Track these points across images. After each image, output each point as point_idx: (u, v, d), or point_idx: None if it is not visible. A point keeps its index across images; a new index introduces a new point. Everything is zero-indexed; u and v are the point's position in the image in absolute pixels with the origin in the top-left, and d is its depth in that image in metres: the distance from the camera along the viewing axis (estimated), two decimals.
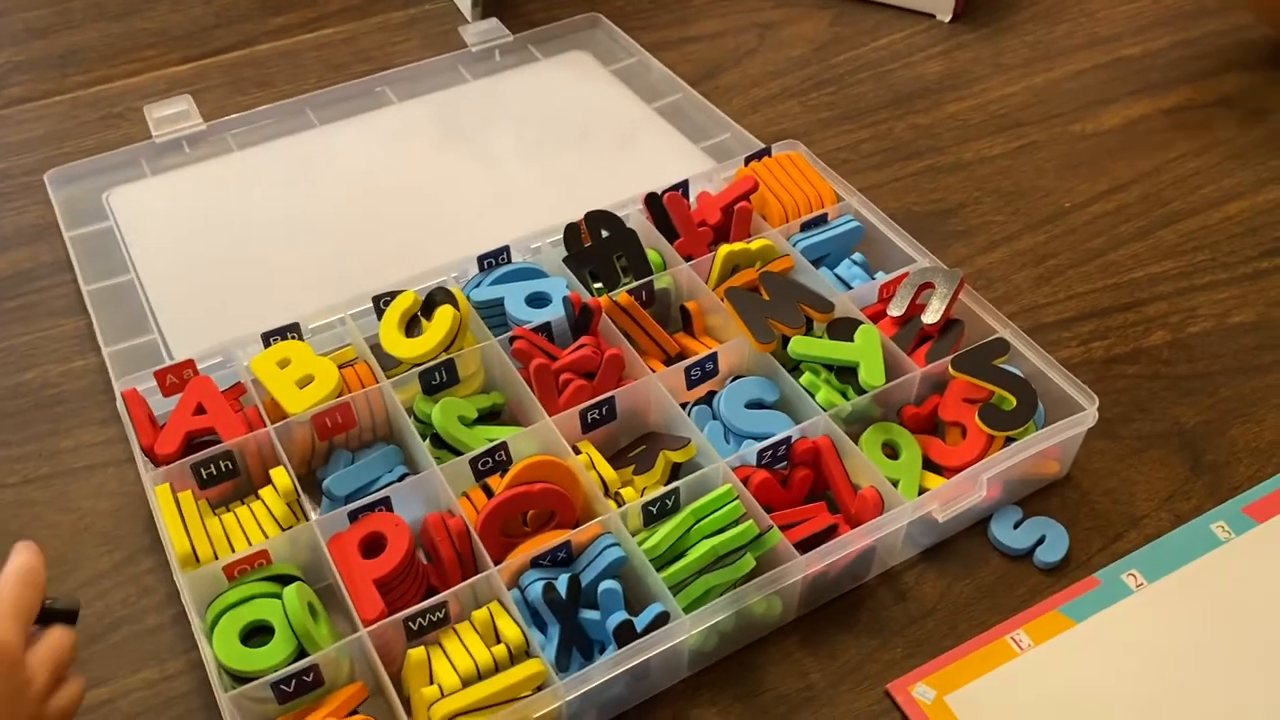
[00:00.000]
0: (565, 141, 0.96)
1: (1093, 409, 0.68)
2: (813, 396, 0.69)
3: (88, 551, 0.68)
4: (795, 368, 0.72)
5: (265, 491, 0.65)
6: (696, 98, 0.99)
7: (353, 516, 0.63)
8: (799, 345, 0.71)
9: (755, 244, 0.78)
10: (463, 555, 0.62)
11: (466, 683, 0.57)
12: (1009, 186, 0.93)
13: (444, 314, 0.71)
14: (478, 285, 0.77)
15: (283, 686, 0.56)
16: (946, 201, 0.92)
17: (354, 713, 0.58)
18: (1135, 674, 0.62)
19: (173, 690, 0.62)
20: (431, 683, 0.58)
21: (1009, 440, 0.68)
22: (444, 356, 0.70)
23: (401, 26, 1.11)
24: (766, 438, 0.67)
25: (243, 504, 0.66)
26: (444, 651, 0.58)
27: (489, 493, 0.65)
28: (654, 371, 0.71)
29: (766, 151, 0.87)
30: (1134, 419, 0.75)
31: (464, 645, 0.58)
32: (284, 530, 0.64)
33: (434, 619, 0.59)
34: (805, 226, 0.81)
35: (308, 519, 0.65)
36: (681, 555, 0.62)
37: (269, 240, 0.87)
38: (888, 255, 0.81)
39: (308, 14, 1.13)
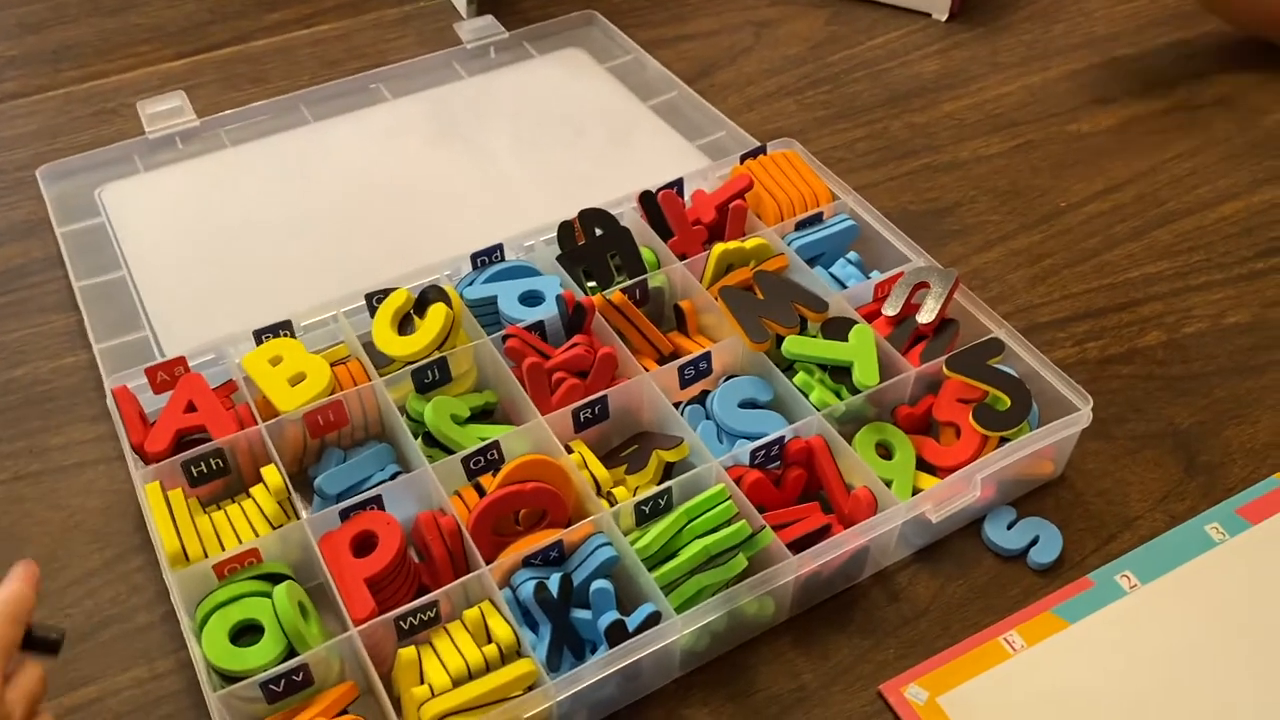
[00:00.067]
0: (560, 139, 0.96)
1: (1087, 409, 0.68)
2: (806, 396, 0.69)
3: (78, 549, 0.68)
4: (789, 367, 0.72)
5: (256, 490, 0.65)
6: (692, 95, 0.99)
7: (344, 515, 0.63)
8: (793, 345, 0.70)
9: (750, 243, 0.77)
10: (454, 554, 0.62)
11: (457, 682, 0.57)
12: (1005, 186, 0.93)
13: (437, 312, 0.71)
14: (471, 283, 0.77)
15: (272, 686, 0.56)
16: (942, 201, 0.91)
17: (344, 712, 0.57)
18: (1128, 675, 0.62)
19: (162, 689, 0.62)
20: (422, 682, 0.57)
21: (1003, 440, 0.68)
22: (437, 355, 0.70)
23: (396, 23, 1.11)
24: (760, 437, 0.67)
25: (233, 502, 0.66)
26: (435, 651, 0.58)
27: (481, 491, 0.65)
28: (647, 371, 0.71)
29: (762, 150, 0.86)
30: (1128, 419, 0.75)
31: (455, 645, 0.58)
32: (275, 529, 0.63)
33: (425, 618, 0.59)
34: (800, 225, 0.81)
35: (299, 517, 0.64)
36: (674, 555, 0.62)
37: (262, 237, 0.87)
38: (883, 254, 0.80)
39: (303, 10, 1.12)
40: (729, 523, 0.62)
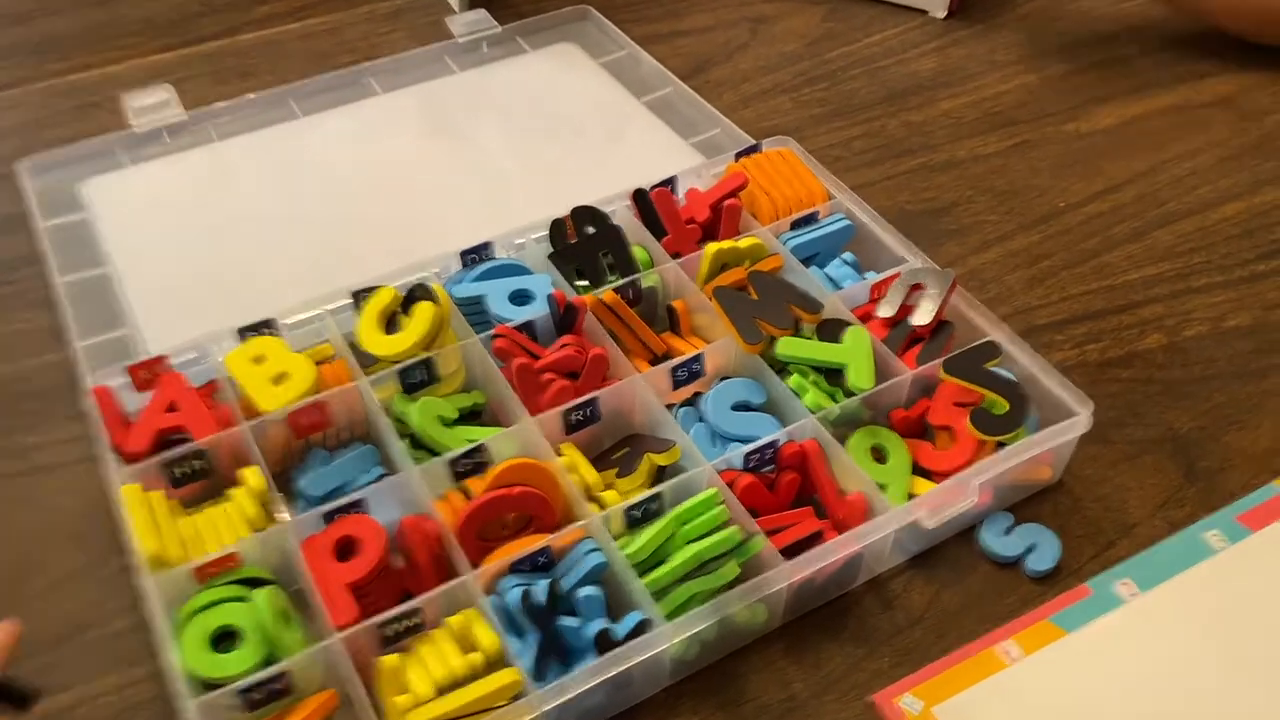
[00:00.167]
0: (552, 135, 0.94)
1: (1086, 414, 0.66)
2: (800, 399, 0.68)
3: (55, 551, 0.67)
4: (783, 369, 0.71)
5: (237, 492, 0.63)
6: (687, 92, 0.97)
7: (327, 518, 0.61)
8: (787, 346, 0.69)
9: (744, 242, 0.76)
10: (439, 559, 0.61)
11: (441, 691, 0.55)
12: (1003, 186, 0.91)
13: (424, 310, 0.69)
14: (459, 281, 0.75)
15: (251, 694, 0.55)
16: (939, 200, 0.90)
17: None
18: (1127, 685, 0.61)
19: (139, 696, 0.60)
20: (405, 691, 0.56)
21: (1000, 445, 0.66)
22: (424, 354, 0.69)
23: (387, 17, 1.09)
24: (753, 440, 0.65)
25: (214, 504, 0.64)
26: (418, 659, 0.57)
27: (468, 495, 0.64)
28: (639, 372, 0.69)
29: (757, 148, 0.85)
30: (1127, 424, 0.73)
31: (439, 653, 0.57)
32: (256, 532, 0.62)
33: (409, 625, 0.57)
34: (795, 225, 0.80)
35: (281, 520, 0.63)
36: (664, 561, 0.60)
37: (248, 233, 0.85)
38: (879, 254, 0.79)
39: (293, 3, 1.11)
40: (721, 528, 0.61)
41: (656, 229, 0.78)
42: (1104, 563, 0.66)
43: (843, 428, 0.68)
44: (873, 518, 0.62)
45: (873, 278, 0.76)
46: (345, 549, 0.60)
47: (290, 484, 0.67)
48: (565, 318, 0.71)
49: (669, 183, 0.81)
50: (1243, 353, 0.78)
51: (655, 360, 0.72)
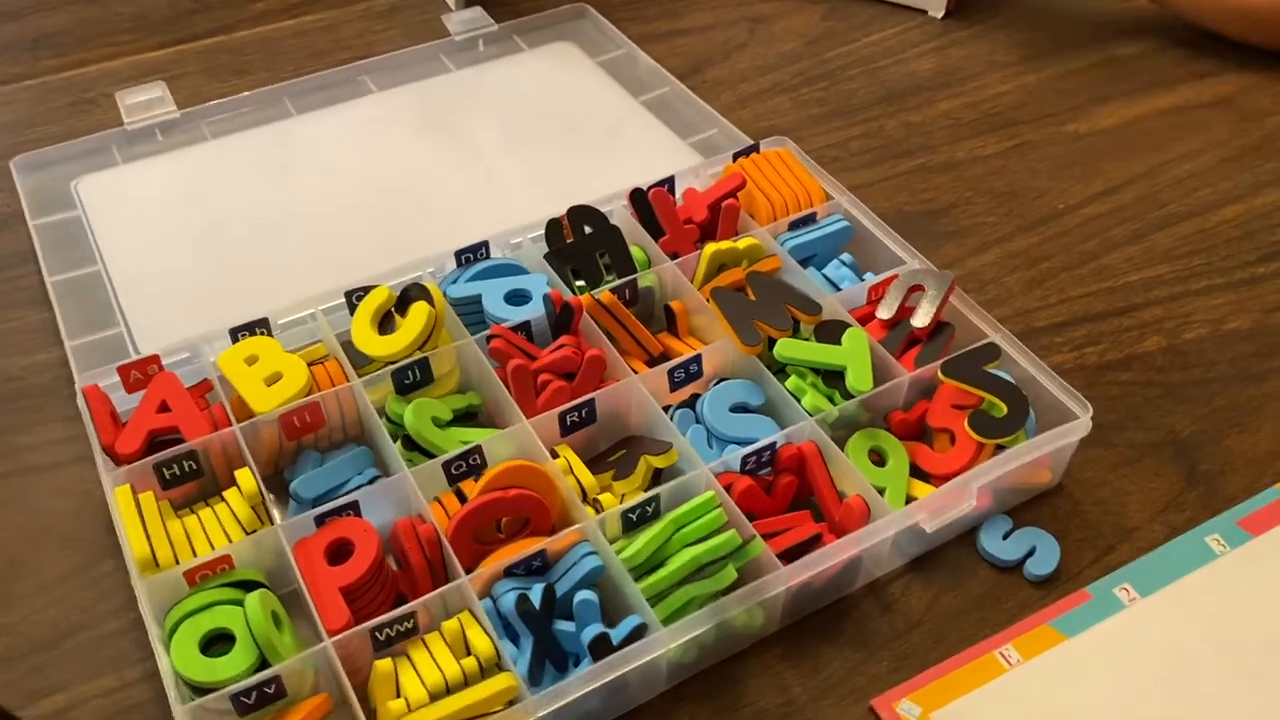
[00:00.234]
0: (549, 134, 0.94)
1: (1086, 417, 0.66)
2: (799, 401, 0.67)
3: (46, 553, 0.66)
4: (781, 371, 0.70)
5: (230, 493, 0.63)
6: (684, 92, 0.97)
7: (319, 521, 0.61)
8: (785, 348, 0.69)
9: (742, 243, 0.75)
10: (433, 563, 0.60)
11: (434, 696, 0.55)
12: (1002, 187, 0.91)
13: (419, 311, 0.69)
14: (455, 281, 0.74)
15: (243, 698, 0.54)
16: (938, 201, 0.90)
17: None
18: (1127, 691, 0.60)
19: (131, 699, 0.60)
20: (398, 696, 0.55)
21: (999, 448, 0.66)
22: (418, 355, 0.68)
23: (383, 14, 1.09)
24: (751, 443, 0.65)
25: (206, 506, 0.64)
26: (412, 663, 0.56)
27: (462, 497, 0.63)
28: (636, 373, 0.69)
29: (755, 148, 0.84)
30: (1127, 427, 0.73)
31: (432, 657, 0.56)
32: (248, 534, 0.61)
33: (402, 629, 0.57)
34: (793, 225, 0.79)
35: (273, 522, 0.62)
36: (661, 565, 0.60)
37: (241, 232, 0.85)
38: (877, 256, 0.79)
39: (288, 0, 1.10)
40: (718, 531, 0.60)
41: (654, 229, 0.78)
42: (1104, 567, 0.65)
43: (841, 430, 0.67)
44: (872, 521, 0.62)
45: (871, 279, 0.75)
46: (338, 552, 0.59)
47: (282, 485, 0.67)
48: (562, 318, 0.70)
49: (667, 183, 0.80)
50: (1243, 355, 0.78)
51: (652, 361, 0.72)
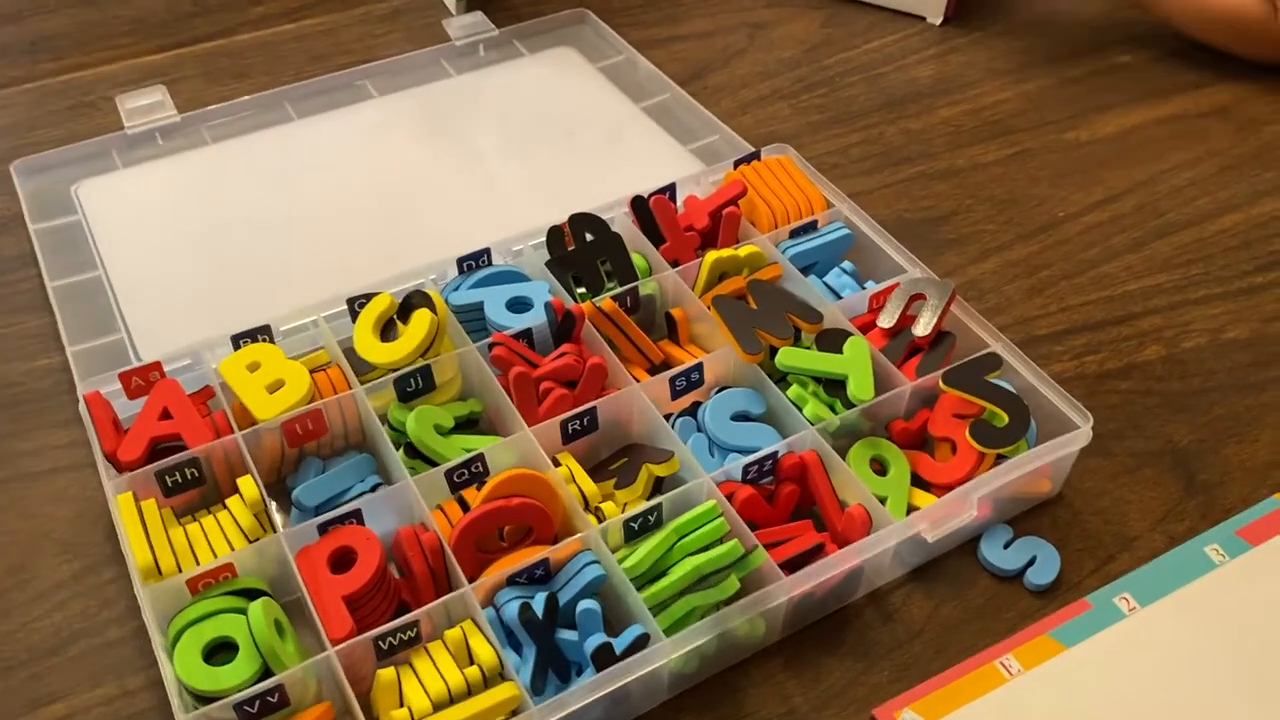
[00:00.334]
0: (550, 140, 0.94)
1: (1087, 428, 0.66)
2: (800, 410, 0.67)
3: (46, 560, 0.66)
4: (782, 379, 0.70)
5: (232, 501, 0.63)
6: (685, 98, 0.97)
7: (322, 529, 0.61)
8: (787, 357, 0.69)
9: (743, 250, 0.76)
10: (436, 571, 0.60)
11: (438, 706, 0.55)
12: (1002, 194, 0.91)
13: (421, 318, 0.69)
14: (457, 288, 0.75)
15: (246, 707, 0.54)
16: (938, 209, 0.90)
17: None
18: (1127, 701, 0.60)
19: (133, 707, 0.60)
20: (401, 705, 0.55)
21: (1000, 458, 0.66)
22: (420, 362, 0.68)
23: (384, 18, 1.09)
24: (752, 451, 0.65)
25: (209, 513, 0.64)
26: (415, 672, 0.56)
27: (465, 505, 0.63)
28: (637, 381, 0.69)
29: (756, 155, 0.85)
30: (1127, 436, 0.73)
31: (435, 666, 0.56)
32: (250, 542, 0.61)
33: (405, 638, 0.57)
34: (794, 233, 0.79)
35: (275, 530, 0.62)
36: (663, 574, 0.60)
37: (244, 237, 0.84)
38: (878, 264, 0.79)
39: (288, 3, 1.10)
40: (720, 541, 0.60)
41: (655, 236, 0.78)
42: (1104, 577, 0.66)
43: (843, 439, 0.68)
44: (873, 531, 0.62)
45: (872, 288, 0.75)
46: (341, 560, 0.59)
47: (284, 492, 0.67)
48: (563, 326, 0.70)
49: (668, 190, 0.80)
50: (1241, 365, 0.78)
51: (653, 369, 0.72)
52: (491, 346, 0.69)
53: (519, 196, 0.89)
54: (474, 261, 0.76)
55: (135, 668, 0.61)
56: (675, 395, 0.70)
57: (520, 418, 0.66)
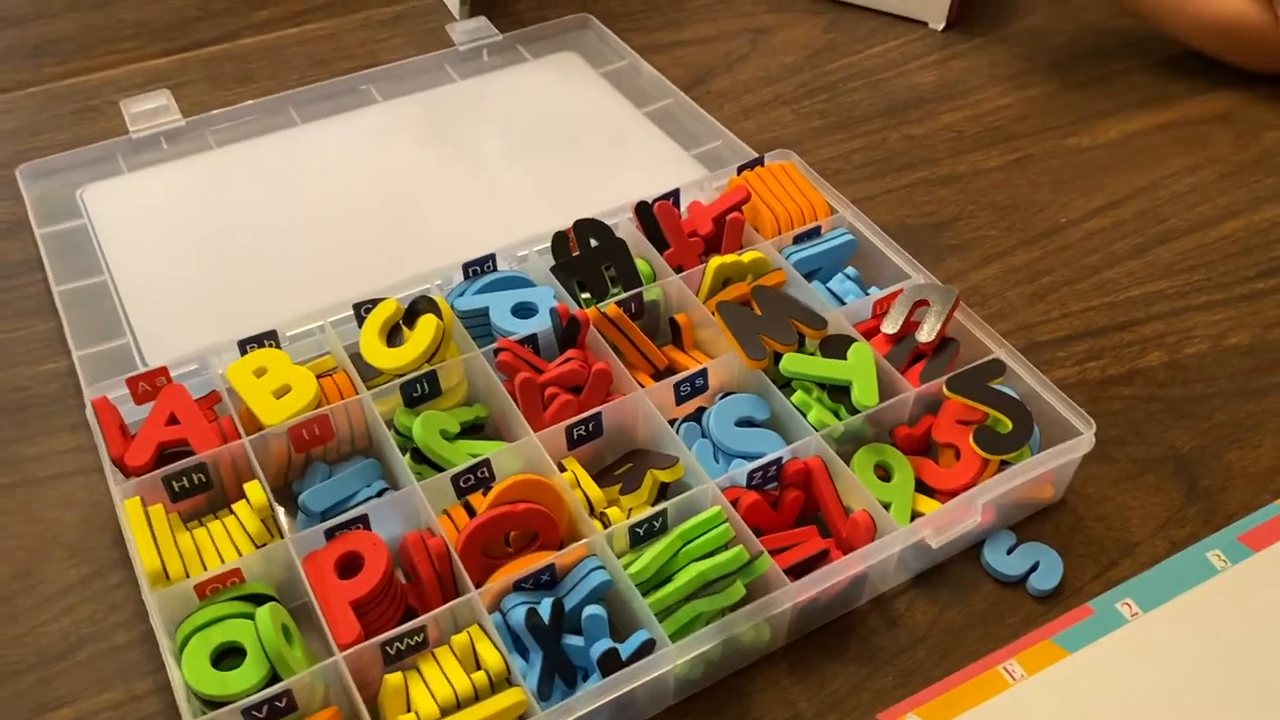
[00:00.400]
0: (553, 145, 0.94)
1: (1090, 434, 0.66)
2: (804, 415, 0.68)
3: (53, 564, 0.66)
4: (786, 385, 0.70)
5: (239, 506, 0.63)
6: (688, 103, 0.97)
7: (329, 534, 0.61)
8: (791, 363, 0.69)
9: (747, 256, 0.76)
10: (443, 576, 0.60)
11: (445, 711, 0.55)
12: (1004, 200, 0.91)
13: (427, 323, 0.69)
14: (462, 294, 0.75)
15: (254, 712, 0.54)
16: (940, 214, 0.90)
17: None
18: (1130, 706, 0.61)
19: (140, 712, 0.60)
20: (409, 710, 0.56)
21: (1003, 464, 0.66)
22: (426, 368, 0.68)
23: (387, 23, 1.09)
24: (757, 457, 0.65)
25: (215, 518, 0.64)
26: (422, 677, 0.56)
27: (471, 511, 0.64)
28: (642, 386, 0.69)
29: (759, 161, 0.85)
30: (1129, 442, 0.74)
31: (443, 671, 0.56)
32: (258, 547, 0.62)
33: (412, 643, 0.57)
34: (798, 239, 0.80)
35: (282, 535, 0.62)
36: (668, 580, 0.60)
37: (248, 242, 0.85)
38: (881, 269, 0.79)
39: (292, 8, 1.10)
40: (725, 547, 0.61)
41: (659, 242, 0.78)
42: (1106, 582, 0.66)
43: (847, 445, 0.68)
44: (878, 537, 0.62)
45: (875, 293, 0.75)
46: (348, 565, 0.60)
47: (290, 497, 0.67)
48: (568, 332, 0.71)
49: (672, 196, 0.81)
50: (1243, 371, 0.78)
51: (658, 375, 0.72)
52: (497, 352, 0.69)
53: (522, 201, 0.89)
54: (479, 267, 0.76)
55: (143, 672, 0.61)
56: (680, 401, 0.70)
57: (526, 423, 0.66)
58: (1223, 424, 0.75)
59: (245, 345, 0.70)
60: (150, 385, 0.68)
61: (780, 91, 1.02)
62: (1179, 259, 0.86)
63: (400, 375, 0.68)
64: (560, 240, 0.77)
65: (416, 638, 0.57)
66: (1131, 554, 0.68)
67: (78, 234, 0.85)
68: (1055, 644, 0.63)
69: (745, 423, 0.69)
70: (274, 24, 1.08)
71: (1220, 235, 0.88)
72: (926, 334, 0.71)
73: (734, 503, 0.63)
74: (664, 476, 0.65)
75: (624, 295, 0.74)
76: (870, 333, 0.73)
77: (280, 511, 0.64)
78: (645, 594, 0.59)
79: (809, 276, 0.77)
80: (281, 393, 0.67)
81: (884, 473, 0.67)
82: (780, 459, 0.65)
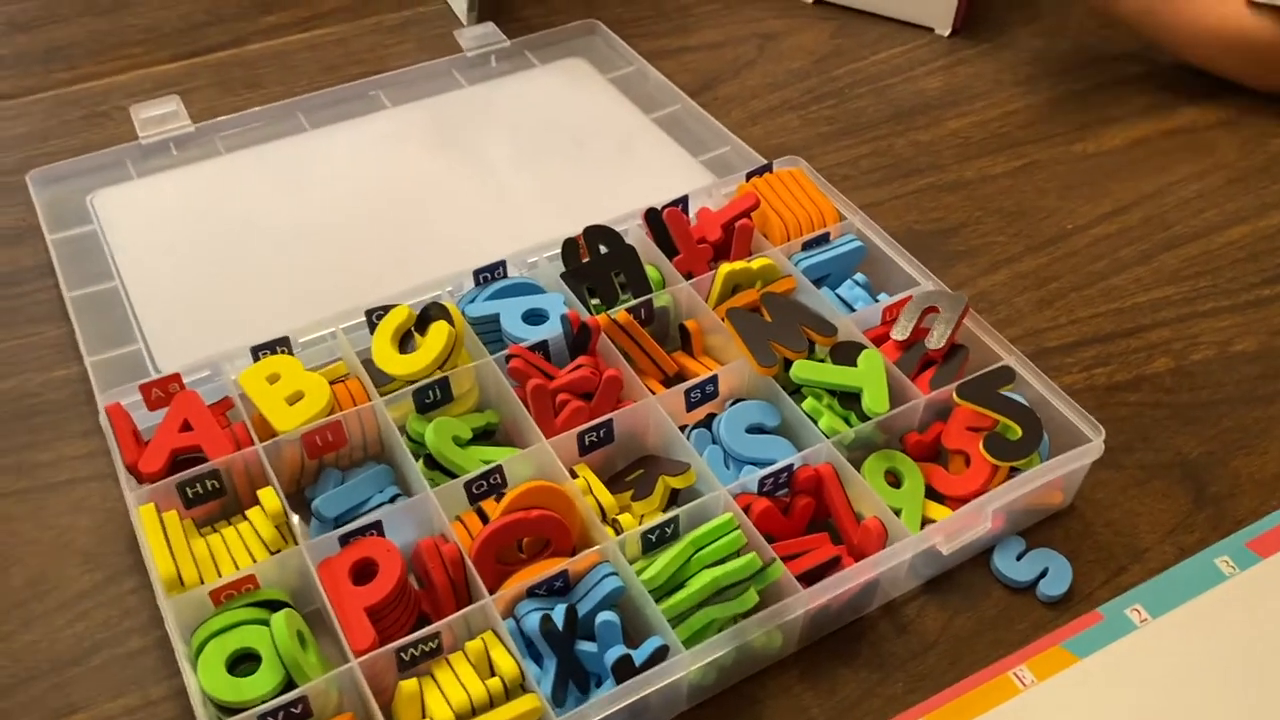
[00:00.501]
0: (562, 151, 0.94)
1: (1099, 440, 0.67)
2: (815, 422, 0.68)
3: (67, 570, 0.66)
4: (796, 391, 0.71)
5: (253, 513, 0.63)
6: (695, 109, 0.97)
7: (343, 541, 0.61)
8: (801, 369, 0.69)
9: (756, 263, 0.76)
10: (456, 583, 0.60)
11: (460, 717, 0.55)
12: (1011, 206, 0.92)
13: (439, 330, 0.69)
14: (473, 300, 0.75)
15: (270, 718, 0.55)
16: (948, 221, 0.90)
17: None
18: (1139, 711, 0.61)
19: (155, 718, 0.60)
20: (424, 716, 0.56)
21: (1013, 470, 0.67)
22: (438, 374, 0.69)
23: (396, 29, 1.09)
24: (767, 464, 0.66)
25: (230, 525, 0.64)
26: (437, 684, 0.57)
27: (483, 517, 0.64)
28: (652, 393, 0.69)
29: (768, 167, 0.85)
30: (1137, 448, 0.74)
31: (457, 678, 0.57)
32: (272, 554, 0.62)
33: (427, 649, 0.57)
34: (807, 245, 0.80)
35: (296, 542, 0.63)
36: (681, 586, 0.60)
37: (258, 248, 0.85)
38: (890, 276, 0.79)
39: (300, 13, 1.11)
40: (738, 553, 0.61)
41: (668, 249, 0.78)
42: (1115, 588, 0.66)
43: (857, 451, 0.68)
44: (889, 543, 0.63)
45: (885, 300, 0.76)
46: (362, 572, 0.60)
47: (303, 503, 0.67)
48: (579, 338, 0.71)
49: (681, 202, 0.81)
50: (1249, 377, 0.79)
51: (668, 381, 0.72)
52: (508, 358, 0.69)
53: (531, 207, 0.89)
54: (490, 274, 0.76)
55: (157, 678, 0.62)
56: (690, 407, 0.70)
57: (538, 429, 0.66)
58: (1230, 430, 0.75)
59: (258, 351, 0.70)
60: (163, 392, 0.68)
61: (787, 97, 1.03)
62: (1185, 265, 0.87)
63: (412, 381, 0.68)
64: (570, 247, 0.78)
65: (431, 644, 0.57)
66: (1140, 560, 0.68)
67: (88, 240, 0.85)
68: (1065, 650, 0.63)
69: (756, 429, 0.69)
70: (283, 29, 1.09)
71: (1226, 241, 0.89)
72: (936, 341, 0.71)
73: (745, 509, 0.63)
74: (675, 483, 0.66)
75: (634, 302, 0.74)
76: (880, 339, 0.73)
77: (294, 518, 0.65)
78: (658, 600, 0.59)
79: (818, 283, 0.78)
80: (294, 399, 0.67)
81: (894, 479, 0.68)
82: (791, 465, 0.65)
